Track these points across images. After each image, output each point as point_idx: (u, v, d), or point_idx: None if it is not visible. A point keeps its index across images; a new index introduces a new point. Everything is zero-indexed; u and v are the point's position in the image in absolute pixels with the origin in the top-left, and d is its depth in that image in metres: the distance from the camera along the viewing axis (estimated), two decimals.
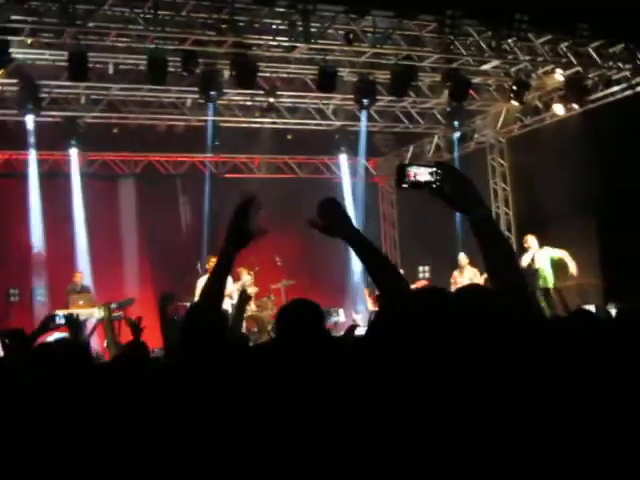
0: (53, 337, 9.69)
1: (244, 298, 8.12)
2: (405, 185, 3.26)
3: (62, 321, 9.96)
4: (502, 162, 22.21)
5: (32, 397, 3.50)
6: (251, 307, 18.17)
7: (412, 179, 3.25)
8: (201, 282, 17.48)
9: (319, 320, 4.28)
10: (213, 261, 17.09)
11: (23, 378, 3.70)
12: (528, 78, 18.66)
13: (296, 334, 4.13)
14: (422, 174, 3.25)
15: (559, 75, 18.64)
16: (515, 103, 19.16)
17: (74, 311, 16.69)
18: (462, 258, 18.84)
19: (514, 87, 18.63)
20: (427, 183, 3.24)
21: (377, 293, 14.68)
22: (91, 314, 16.93)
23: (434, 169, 3.24)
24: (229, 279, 14.46)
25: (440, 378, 3.01)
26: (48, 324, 8.68)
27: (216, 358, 4.72)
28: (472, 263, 18.71)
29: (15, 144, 19.37)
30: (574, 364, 3.04)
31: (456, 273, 18.74)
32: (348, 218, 3.65)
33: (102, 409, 3.81)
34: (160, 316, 7.47)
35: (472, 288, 3.66)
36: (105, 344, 15.11)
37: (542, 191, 19.50)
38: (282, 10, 15.72)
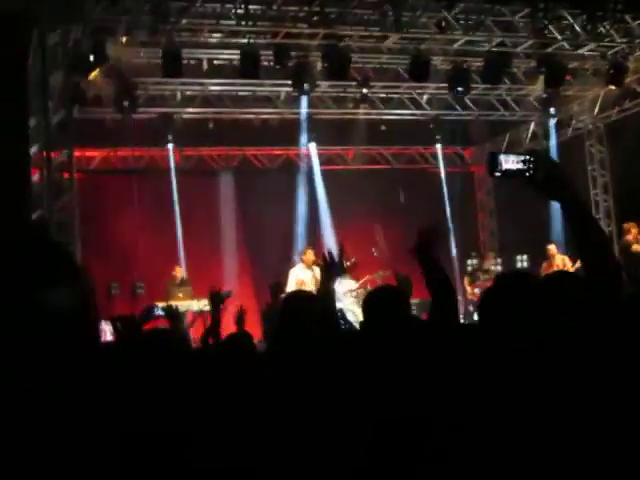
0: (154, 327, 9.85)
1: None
2: (497, 173, 3.24)
3: (160, 312, 10.12)
4: (601, 148, 21.80)
5: (142, 381, 3.56)
6: (348, 300, 18.22)
7: (504, 167, 3.23)
8: (294, 272, 17.58)
9: (401, 306, 4.24)
10: (310, 252, 17.33)
11: (134, 362, 3.77)
12: (625, 61, 18.26)
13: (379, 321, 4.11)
14: (514, 162, 3.23)
15: None
16: (613, 87, 18.80)
17: (173, 303, 17.00)
18: (551, 248, 18.49)
19: (611, 71, 18.26)
20: (519, 171, 3.22)
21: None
22: (189, 306, 17.16)
23: (526, 157, 3.22)
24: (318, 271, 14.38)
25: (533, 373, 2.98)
26: (148, 315, 8.81)
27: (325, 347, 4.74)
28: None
29: (113, 142, 19.70)
30: None
31: (545, 265, 18.37)
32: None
33: (208, 396, 3.86)
34: (212, 317, 7.54)
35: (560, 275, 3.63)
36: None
37: None
38: (373, 0, 15.69)
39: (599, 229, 3.45)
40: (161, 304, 15.60)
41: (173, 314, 8.70)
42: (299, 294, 6.13)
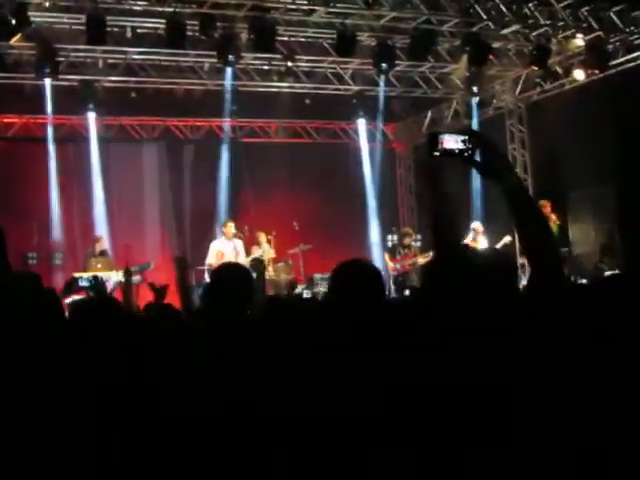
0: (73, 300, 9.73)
1: (257, 263, 8.20)
2: (437, 153, 3.24)
3: (85, 284, 9.99)
4: (521, 128, 22.02)
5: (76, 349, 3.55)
6: (268, 271, 18.24)
7: (444, 147, 3.23)
8: (214, 244, 17.55)
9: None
10: (230, 225, 17.30)
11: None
12: (548, 43, 18.47)
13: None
14: (454, 142, 3.23)
15: (580, 40, 18.44)
16: (535, 68, 19.03)
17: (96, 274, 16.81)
18: (477, 227, 18.71)
19: (534, 52, 18.46)
20: (459, 151, 3.22)
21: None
22: (109, 277, 16.98)
23: (466, 137, 3.22)
24: (240, 244, 14.44)
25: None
26: (72, 286, 8.72)
27: (244, 318, 4.74)
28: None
29: (32, 108, 19.36)
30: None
31: (469, 242, 18.56)
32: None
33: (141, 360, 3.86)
34: (178, 281, 7.51)
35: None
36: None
37: (561, 158, 19.41)
38: None
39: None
40: (85, 275, 15.49)
41: (97, 286, 8.62)
42: (229, 266, 6.11)
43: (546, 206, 17.39)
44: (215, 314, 4.92)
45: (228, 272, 5.21)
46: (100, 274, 16.42)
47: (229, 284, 4.92)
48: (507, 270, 3.47)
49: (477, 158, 3.27)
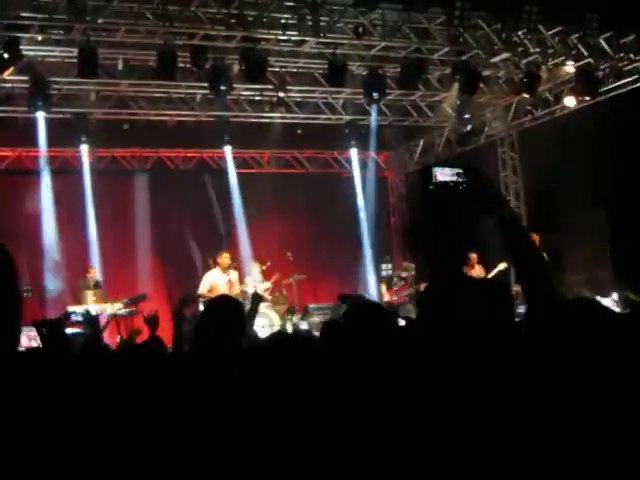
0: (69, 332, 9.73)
1: (257, 299, 8.17)
2: (431, 187, 3.24)
3: (79, 318, 10.00)
4: (513, 155, 22.07)
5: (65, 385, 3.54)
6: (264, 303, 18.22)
7: (438, 180, 3.23)
8: (208, 275, 17.52)
9: None
10: (225, 256, 17.28)
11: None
12: (538, 70, 18.55)
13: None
14: (448, 175, 3.23)
15: (570, 67, 18.55)
16: (526, 95, 19.10)
17: (89, 307, 16.79)
18: (473, 257, 18.64)
19: (524, 79, 18.54)
20: (453, 184, 3.23)
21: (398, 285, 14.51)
22: (103, 309, 16.96)
23: (459, 170, 3.23)
24: (235, 275, 14.44)
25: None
26: (64, 320, 8.70)
27: (233, 353, 4.72)
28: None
29: (25, 141, 19.39)
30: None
31: (465, 270, 18.53)
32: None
33: (120, 396, 3.84)
34: (175, 312, 7.50)
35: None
36: (118, 339, 15.16)
37: (553, 184, 19.47)
38: (291, 4, 15.70)
39: (531, 240, 3.50)
40: (78, 309, 15.50)
41: (90, 320, 8.62)
42: (222, 298, 6.11)
43: (536, 239, 17.41)
44: (206, 345, 4.91)
45: (221, 304, 5.21)
46: (93, 306, 16.55)
47: (221, 316, 4.92)
48: (503, 300, 3.47)
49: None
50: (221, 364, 4.46)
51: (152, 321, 8.37)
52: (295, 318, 18.31)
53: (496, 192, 3.36)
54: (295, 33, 16.40)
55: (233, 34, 16.12)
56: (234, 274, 17.69)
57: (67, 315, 12.17)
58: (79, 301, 17.60)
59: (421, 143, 24.07)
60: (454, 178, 3.24)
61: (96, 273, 18.60)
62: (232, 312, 4.96)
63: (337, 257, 22.21)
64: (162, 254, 21.50)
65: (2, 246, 2.47)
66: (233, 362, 4.48)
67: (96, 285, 18.19)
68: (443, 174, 3.25)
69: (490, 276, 17.61)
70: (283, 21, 16.23)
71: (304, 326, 17.67)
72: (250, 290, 17.77)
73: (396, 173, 25.42)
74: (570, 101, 19.30)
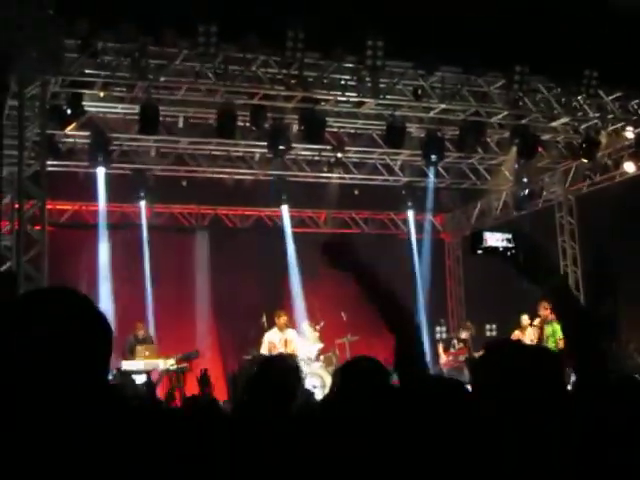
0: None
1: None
2: (480, 251, 3.22)
3: (110, 377, 10.07)
4: (571, 220, 21.90)
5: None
6: (316, 363, 18.12)
7: (487, 245, 3.21)
8: (268, 336, 17.48)
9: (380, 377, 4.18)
10: (282, 316, 17.28)
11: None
12: (597, 135, 18.46)
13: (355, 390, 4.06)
14: (497, 240, 3.21)
15: (629, 132, 18.43)
16: (584, 160, 19.00)
17: (141, 363, 16.89)
18: (524, 319, 18.35)
19: (583, 144, 18.47)
20: (503, 249, 3.20)
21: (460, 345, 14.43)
22: (156, 365, 17.01)
23: (509, 236, 3.20)
24: (292, 334, 14.43)
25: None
26: None
27: (285, 412, 4.68)
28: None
29: (85, 195, 19.64)
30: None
31: (517, 333, 18.22)
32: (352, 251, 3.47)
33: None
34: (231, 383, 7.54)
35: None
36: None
37: (611, 250, 19.27)
38: (350, 65, 15.84)
39: (582, 309, 3.45)
40: (130, 365, 15.69)
41: (124, 379, 8.75)
42: (276, 359, 6.08)
43: (547, 308, 17.24)
44: (257, 406, 4.87)
45: (274, 364, 5.17)
46: (146, 361, 16.64)
47: (274, 377, 4.87)
48: (554, 368, 3.41)
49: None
50: (270, 427, 4.42)
51: (203, 381, 8.42)
52: None
53: (547, 261, 3.32)
54: (354, 94, 16.51)
55: (293, 94, 16.28)
56: (291, 333, 17.64)
57: None
58: (132, 355, 17.66)
59: (478, 206, 23.99)
60: (504, 244, 3.21)
61: (145, 329, 18.64)
62: (288, 374, 4.90)
63: None
64: (217, 311, 21.55)
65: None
66: (283, 426, 4.44)
67: (145, 340, 18.23)
68: (493, 239, 3.22)
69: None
70: (343, 82, 16.36)
71: None
72: (302, 351, 17.74)
73: (453, 236, 25.32)
74: (630, 167, 19.16)
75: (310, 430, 4.22)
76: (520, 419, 3.06)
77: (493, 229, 3.31)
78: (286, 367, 5.11)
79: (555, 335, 17.04)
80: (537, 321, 17.52)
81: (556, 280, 3.26)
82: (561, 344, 16.89)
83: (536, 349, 3.62)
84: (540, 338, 17.35)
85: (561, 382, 3.38)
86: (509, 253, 3.21)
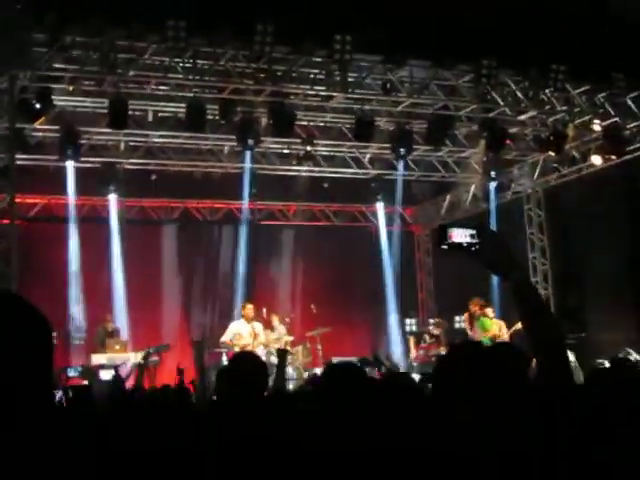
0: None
1: (283, 355, 8.22)
2: (445, 246, 3.27)
3: (75, 374, 10.18)
4: (539, 212, 22.04)
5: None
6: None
7: (452, 240, 3.26)
8: (234, 325, 17.50)
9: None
10: (249, 308, 17.28)
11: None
12: (565, 128, 18.60)
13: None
14: (462, 236, 3.26)
15: (596, 126, 18.57)
16: (552, 153, 19.14)
17: (113, 356, 16.91)
18: (489, 311, 18.41)
19: (551, 137, 18.60)
20: (467, 245, 3.26)
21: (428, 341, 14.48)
22: (127, 358, 17.01)
23: (473, 231, 3.26)
24: (259, 326, 14.46)
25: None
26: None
27: (257, 404, 4.75)
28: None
29: (55, 189, 19.58)
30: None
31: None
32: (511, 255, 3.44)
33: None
34: (195, 363, 7.59)
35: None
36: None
37: (579, 242, 19.44)
38: (319, 60, 15.89)
39: (544, 304, 3.51)
40: (101, 358, 15.75)
41: (88, 374, 8.86)
42: (245, 355, 6.16)
43: (476, 305, 17.53)
44: (227, 399, 4.92)
45: (244, 361, 5.21)
46: (117, 355, 16.66)
47: (244, 373, 4.92)
48: (516, 362, 3.48)
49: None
50: (244, 413, 4.48)
51: (181, 372, 8.55)
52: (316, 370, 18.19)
53: (510, 255, 3.37)
54: (323, 88, 16.57)
55: (262, 88, 16.29)
56: (258, 325, 17.66)
57: (63, 372, 12.35)
58: (103, 348, 17.68)
59: (448, 198, 24.07)
60: (468, 239, 3.27)
61: (114, 321, 18.66)
62: (254, 371, 4.95)
63: (362, 311, 22.21)
64: (187, 305, 21.59)
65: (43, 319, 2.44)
66: (256, 411, 4.51)
67: (112, 334, 18.26)
68: (457, 235, 3.28)
69: (510, 332, 17.44)
70: (311, 76, 16.41)
71: None
72: (273, 344, 17.79)
73: (423, 228, 25.41)
74: (597, 160, 19.30)
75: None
76: (484, 416, 3.12)
77: (457, 224, 3.36)
78: (254, 364, 5.16)
79: (483, 328, 17.37)
80: (465, 316, 17.83)
81: (518, 275, 3.32)
82: (490, 335, 17.31)
83: (499, 348, 3.68)
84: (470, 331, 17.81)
85: (523, 380, 3.46)
86: (473, 248, 3.27)
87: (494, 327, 17.79)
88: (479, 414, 3.11)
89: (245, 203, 21.26)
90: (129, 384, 16.08)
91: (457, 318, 21.30)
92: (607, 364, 14.04)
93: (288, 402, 5.43)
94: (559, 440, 2.95)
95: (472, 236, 3.26)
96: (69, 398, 5.97)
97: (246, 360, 5.22)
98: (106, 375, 15.81)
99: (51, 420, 2.31)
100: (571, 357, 17.99)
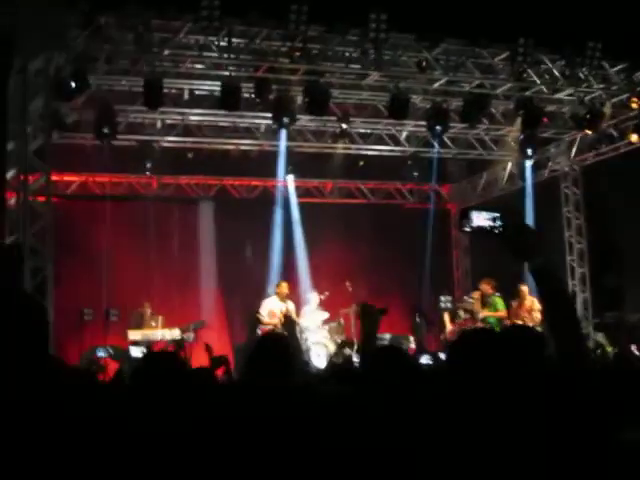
0: None
1: (290, 324, 8.29)
2: (467, 229, 3.30)
3: (103, 354, 10.31)
4: (576, 191, 21.92)
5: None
6: (322, 333, 18.23)
7: (474, 224, 3.29)
8: (267, 302, 17.55)
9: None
10: (284, 285, 17.35)
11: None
12: (602, 106, 18.46)
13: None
14: (484, 219, 3.29)
15: (634, 104, 18.40)
16: (589, 132, 19.01)
17: (149, 333, 17.12)
18: (524, 289, 18.14)
19: (588, 116, 18.47)
20: (489, 229, 3.28)
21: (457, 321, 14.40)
22: (163, 335, 17.18)
23: (497, 214, 3.28)
24: (292, 305, 14.50)
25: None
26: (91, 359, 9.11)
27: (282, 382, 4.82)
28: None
29: (92, 167, 19.73)
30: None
31: (515, 304, 18.15)
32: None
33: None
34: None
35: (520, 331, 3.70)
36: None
37: (616, 221, 19.32)
38: (354, 38, 15.86)
39: (564, 289, 3.53)
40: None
41: (120, 355, 8.92)
42: (275, 336, 6.23)
43: (489, 284, 17.46)
44: (256, 379, 4.99)
45: (269, 346, 5.25)
46: (152, 331, 16.84)
47: (269, 356, 4.97)
48: (530, 346, 3.51)
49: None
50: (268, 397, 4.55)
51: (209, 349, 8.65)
52: (348, 350, 18.18)
53: (532, 239, 3.39)
54: (358, 66, 16.55)
55: (297, 67, 16.29)
56: (291, 305, 17.73)
57: (93, 352, 12.49)
58: (141, 327, 17.85)
59: (484, 176, 23.99)
60: (490, 222, 3.29)
61: (151, 307, 18.78)
62: (279, 354, 5.01)
63: (397, 288, 22.20)
64: (224, 283, 21.69)
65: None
66: (280, 397, 4.57)
67: (150, 317, 18.44)
68: (480, 218, 3.30)
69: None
70: (347, 54, 16.39)
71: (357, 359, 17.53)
72: (307, 322, 17.88)
73: (459, 206, 25.31)
74: (635, 138, 19.11)
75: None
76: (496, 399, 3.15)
77: (480, 208, 3.39)
78: (277, 349, 5.20)
79: (495, 307, 17.29)
80: (477, 294, 17.73)
81: (540, 260, 3.33)
82: (499, 315, 17.25)
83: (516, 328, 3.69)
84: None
85: (537, 364, 3.48)
86: (496, 231, 3.30)
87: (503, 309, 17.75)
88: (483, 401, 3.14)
89: (281, 180, 21.34)
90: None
91: None
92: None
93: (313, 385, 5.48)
94: (564, 426, 2.98)
95: (494, 219, 3.29)
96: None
97: (268, 345, 5.27)
98: (136, 352, 16.00)
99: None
100: (600, 338, 17.99)
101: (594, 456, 2.95)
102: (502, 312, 17.51)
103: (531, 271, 3.32)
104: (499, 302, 17.56)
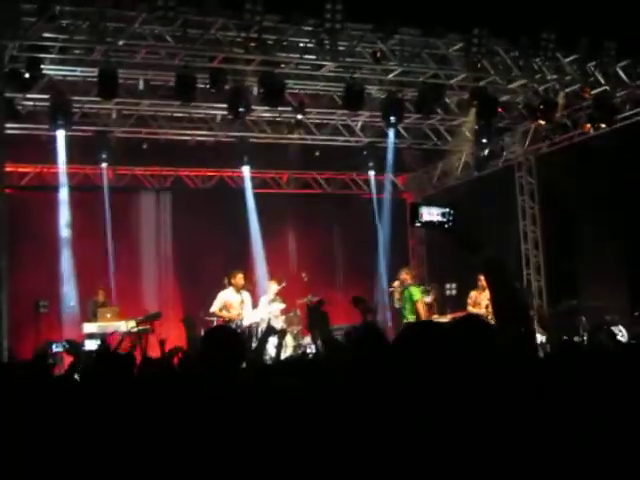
0: None
1: (269, 332, 8.30)
2: (418, 224, 3.36)
3: (60, 349, 10.25)
4: (530, 180, 22.09)
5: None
6: (279, 323, 18.23)
7: (425, 219, 3.34)
8: (222, 294, 17.54)
9: None
10: (239, 276, 17.30)
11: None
12: (556, 97, 18.63)
13: None
14: (434, 214, 3.35)
15: (587, 94, 18.57)
16: (542, 122, 19.16)
17: (104, 325, 17.02)
18: (482, 279, 18.25)
19: (541, 106, 18.62)
20: (439, 223, 3.34)
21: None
22: (118, 327, 17.09)
23: (446, 210, 3.34)
24: (248, 296, 14.42)
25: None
26: (45, 354, 9.11)
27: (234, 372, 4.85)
28: None
29: (46, 158, 19.57)
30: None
31: (474, 294, 18.20)
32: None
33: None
34: (188, 339, 7.71)
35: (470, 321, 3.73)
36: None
37: (570, 209, 19.50)
38: (309, 29, 15.84)
39: (510, 282, 3.58)
40: (92, 326, 15.85)
41: (75, 350, 8.84)
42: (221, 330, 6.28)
43: (408, 274, 17.40)
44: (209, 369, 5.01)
45: (217, 337, 5.25)
46: (108, 323, 16.76)
47: (217, 349, 4.98)
48: (479, 338, 3.55)
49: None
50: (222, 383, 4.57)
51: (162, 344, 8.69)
52: (306, 339, 18.21)
53: (477, 235, 3.45)
54: (314, 57, 16.54)
55: (252, 57, 16.26)
56: (247, 295, 17.73)
57: (48, 346, 12.41)
58: (95, 319, 17.78)
59: (440, 166, 24.11)
60: (439, 218, 3.35)
61: (105, 295, 18.75)
62: (228, 345, 5.02)
63: (353, 279, 22.27)
64: (180, 273, 21.66)
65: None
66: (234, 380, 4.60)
67: (104, 304, 18.40)
68: (429, 213, 3.36)
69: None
70: (302, 45, 16.37)
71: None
72: (264, 313, 17.86)
73: (415, 195, 25.41)
74: (588, 127, 19.27)
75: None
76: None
77: (429, 203, 3.44)
78: (226, 339, 5.20)
79: (412, 299, 17.13)
80: (396, 284, 17.59)
81: (488, 253, 3.39)
82: (416, 307, 17.08)
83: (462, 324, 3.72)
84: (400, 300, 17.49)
85: (486, 354, 3.52)
86: (445, 226, 3.35)
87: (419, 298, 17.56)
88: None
89: (237, 171, 21.32)
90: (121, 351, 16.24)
91: (447, 286, 21.38)
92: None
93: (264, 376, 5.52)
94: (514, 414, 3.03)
95: (443, 214, 3.35)
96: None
97: (218, 336, 5.28)
98: (92, 345, 15.91)
99: None
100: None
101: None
102: (419, 302, 17.06)
103: (479, 263, 3.38)
104: (415, 292, 17.31)
